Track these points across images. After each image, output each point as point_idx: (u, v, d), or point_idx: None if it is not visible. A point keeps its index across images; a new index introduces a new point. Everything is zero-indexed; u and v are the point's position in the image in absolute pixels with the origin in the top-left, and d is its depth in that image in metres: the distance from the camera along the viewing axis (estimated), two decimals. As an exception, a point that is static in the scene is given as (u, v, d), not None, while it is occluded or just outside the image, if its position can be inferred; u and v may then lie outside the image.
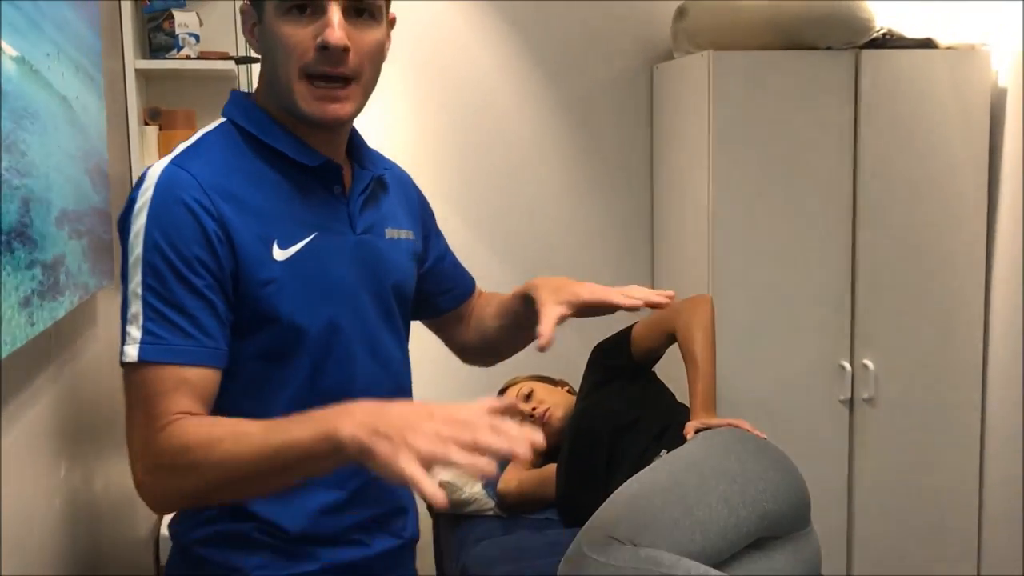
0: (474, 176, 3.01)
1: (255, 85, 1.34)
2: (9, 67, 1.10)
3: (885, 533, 2.88)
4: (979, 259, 2.84)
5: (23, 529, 1.17)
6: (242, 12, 1.27)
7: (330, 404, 1.08)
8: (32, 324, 1.15)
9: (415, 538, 1.41)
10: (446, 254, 1.56)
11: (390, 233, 1.36)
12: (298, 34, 1.18)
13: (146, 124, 2.50)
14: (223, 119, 1.29)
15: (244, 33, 1.28)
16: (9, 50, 1.10)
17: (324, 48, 1.17)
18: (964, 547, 2.92)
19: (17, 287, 1.10)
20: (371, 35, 1.22)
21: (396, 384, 1.34)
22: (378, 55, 1.25)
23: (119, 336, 1.16)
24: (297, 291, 1.21)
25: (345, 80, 1.21)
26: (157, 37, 2.51)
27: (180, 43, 2.50)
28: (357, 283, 1.28)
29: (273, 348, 1.22)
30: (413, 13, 2.91)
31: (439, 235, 1.54)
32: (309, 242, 1.23)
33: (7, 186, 1.07)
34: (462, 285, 1.57)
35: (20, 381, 1.18)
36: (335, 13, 1.17)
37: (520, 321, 1.45)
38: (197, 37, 2.52)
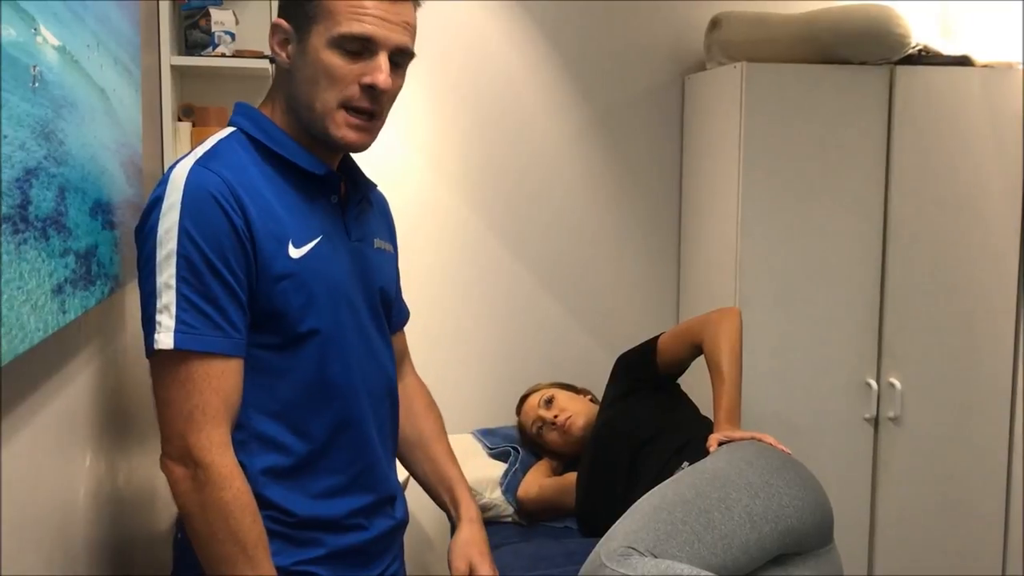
0: (503, 184, 3.01)
1: None
2: (51, 56, 1.11)
3: (907, 553, 2.84)
4: (1010, 278, 2.81)
5: (48, 517, 1.18)
6: (275, 26, 1.35)
7: (331, 392, 1.33)
8: (64, 312, 1.16)
9: (406, 520, 1.53)
10: (398, 278, 1.63)
11: (378, 244, 1.50)
12: (346, 68, 1.31)
13: (179, 120, 2.52)
14: (232, 128, 1.38)
15: (271, 44, 1.37)
16: (52, 39, 1.11)
17: (371, 88, 1.32)
18: (989, 568, 2.88)
19: (51, 274, 1.10)
20: (399, 82, 1.37)
21: (385, 375, 1.47)
22: (396, 98, 1.40)
23: (141, 327, 1.25)
24: (309, 287, 1.32)
25: (371, 115, 1.35)
26: (193, 34, 2.53)
27: (216, 41, 2.52)
28: (354, 284, 1.41)
29: (282, 339, 1.32)
30: (445, 23, 2.92)
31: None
32: (317, 243, 1.34)
33: (44, 174, 1.08)
34: (399, 314, 1.64)
35: (49, 369, 1.19)
36: (385, 60, 1.32)
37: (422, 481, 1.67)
38: (233, 35, 2.54)
